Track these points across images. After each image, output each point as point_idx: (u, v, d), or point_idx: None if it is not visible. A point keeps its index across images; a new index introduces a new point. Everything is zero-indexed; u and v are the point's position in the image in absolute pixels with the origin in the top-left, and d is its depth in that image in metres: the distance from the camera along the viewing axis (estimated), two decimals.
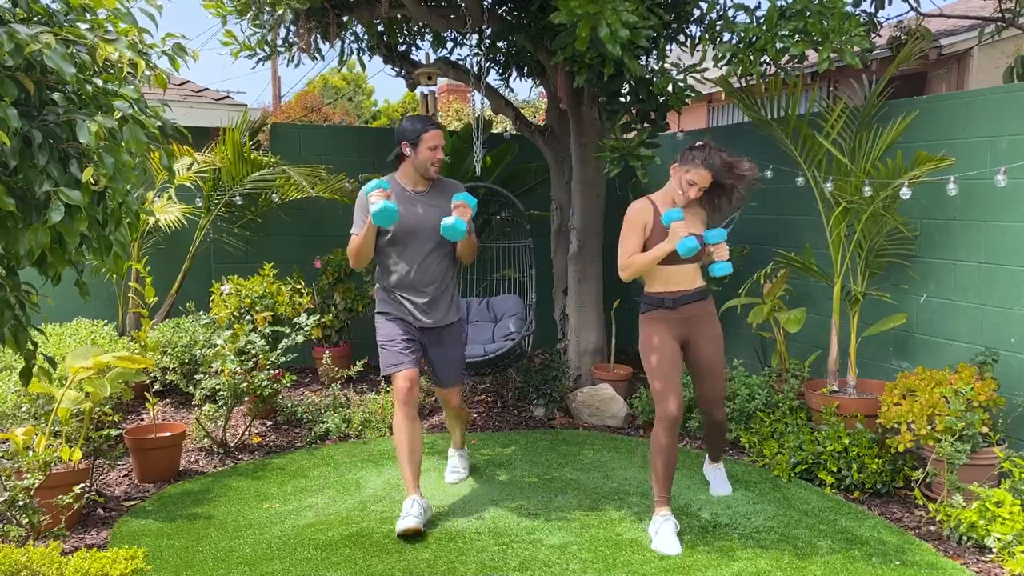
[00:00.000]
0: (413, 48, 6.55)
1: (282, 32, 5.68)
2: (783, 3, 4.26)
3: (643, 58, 4.95)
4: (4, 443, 3.96)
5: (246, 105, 7.13)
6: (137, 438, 4.25)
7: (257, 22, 5.33)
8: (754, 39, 4.36)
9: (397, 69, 6.41)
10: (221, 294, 5.66)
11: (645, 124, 4.94)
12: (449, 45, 6.45)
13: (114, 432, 4.02)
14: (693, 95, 4.91)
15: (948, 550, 3.42)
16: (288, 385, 5.17)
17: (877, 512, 3.82)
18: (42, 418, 4.16)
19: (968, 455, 3.66)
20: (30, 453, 3.56)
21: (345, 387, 5.80)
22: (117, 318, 6.14)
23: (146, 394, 4.56)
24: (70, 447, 3.70)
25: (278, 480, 4.24)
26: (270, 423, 5.18)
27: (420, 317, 3.80)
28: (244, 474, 4.34)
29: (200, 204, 6.38)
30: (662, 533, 3.45)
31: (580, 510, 3.82)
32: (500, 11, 5.63)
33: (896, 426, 3.90)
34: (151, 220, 5.92)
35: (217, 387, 4.55)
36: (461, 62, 6.18)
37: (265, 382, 4.63)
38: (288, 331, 4.96)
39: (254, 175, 6.19)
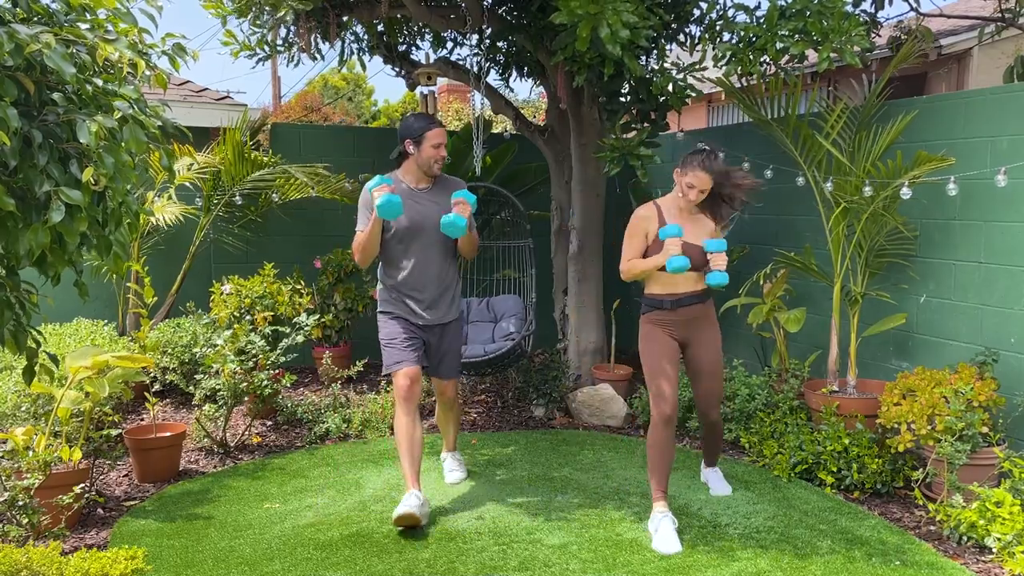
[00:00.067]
0: (413, 48, 6.55)
1: (282, 32, 5.69)
2: (783, 3, 4.26)
3: (643, 58, 4.95)
4: (4, 443, 3.96)
5: (246, 105, 7.13)
6: (137, 438, 4.25)
7: (257, 22, 5.33)
8: (754, 39, 4.36)
9: (397, 69, 6.42)
10: (221, 294, 5.66)
11: (645, 124, 4.94)
12: (449, 45, 6.45)
13: (114, 432, 4.02)
14: (693, 95, 4.91)
15: (948, 550, 3.42)
16: (288, 385, 5.17)
17: (877, 512, 3.82)
18: (42, 418, 4.16)
19: (968, 455, 3.66)
20: (30, 453, 3.56)
21: (345, 387, 5.80)
22: (117, 318, 6.14)
23: (146, 394, 4.56)
24: (70, 447, 3.70)
25: (278, 480, 4.24)
26: (270, 423, 5.18)
27: (422, 314, 3.82)
28: (244, 474, 4.34)
29: (200, 204, 6.38)
30: (662, 530, 3.46)
31: (580, 510, 3.82)
32: (500, 11, 5.63)
33: (896, 426, 3.90)
34: (151, 220, 5.92)
35: (217, 387, 4.55)
36: (461, 62, 6.18)
37: (265, 382, 4.63)
38: (288, 331, 4.96)
39: (254, 175, 6.19)
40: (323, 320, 6.09)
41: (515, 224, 5.82)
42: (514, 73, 6.38)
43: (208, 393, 4.64)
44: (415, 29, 6.45)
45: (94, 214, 2.35)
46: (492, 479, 4.25)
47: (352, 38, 6.27)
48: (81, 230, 2.27)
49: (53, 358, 2.62)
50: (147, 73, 2.46)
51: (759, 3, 4.62)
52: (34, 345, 2.51)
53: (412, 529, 3.60)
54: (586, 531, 3.59)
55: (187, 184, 6.24)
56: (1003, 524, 3.32)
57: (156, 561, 3.28)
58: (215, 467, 4.48)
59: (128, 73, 2.40)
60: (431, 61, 6.26)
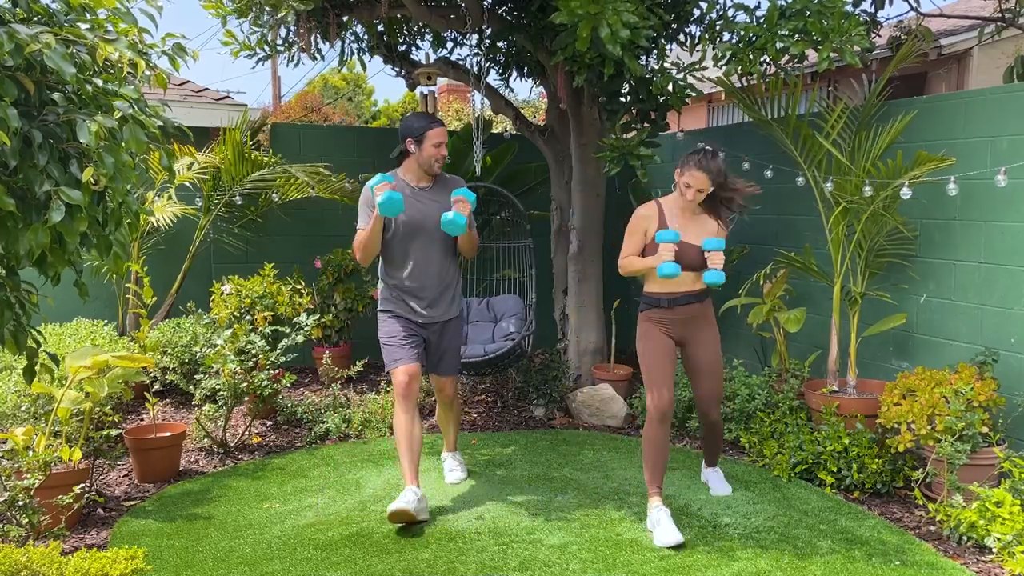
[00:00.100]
0: (413, 48, 6.55)
1: (282, 32, 5.69)
2: (783, 3, 4.26)
3: (643, 58, 4.95)
4: (4, 443, 3.96)
5: (246, 105, 7.13)
6: (137, 438, 4.25)
7: (258, 22, 5.33)
8: (754, 38, 4.36)
9: (397, 69, 6.42)
10: (222, 294, 5.66)
11: (645, 124, 4.95)
12: (449, 45, 6.45)
13: (114, 432, 4.02)
14: (693, 95, 4.91)
15: (948, 550, 3.42)
16: (288, 385, 5.17)
17: (877, 512, 3.82)
18: (42, 418, 4.16)
19: (968, 455, 3.66)
20: (30, 453, 3.56)
21: (345, 387, 5.80)
22: (117, 318, 6.14)
23: (146, 394, 4.56)
24: (70, 447, 3.70)
25: (278, 480, 4.24)
26: (270, 423, 5.18)
27: (423, 312, 3.84)
28: (244, 474, 4.34)
29: (200, 204, 6.38)
30: (662, 523, 3.49)
31: (580, 510, 3.82)
32: (500, 11, 5.63)
33: (896, 426, 3.90)
34: (151, 220, 5.92)
35: (217, 387, 4.55)
36: (461, 62, 6.18)
37: (265, 382, 4.63)
38: (288, 331, 4.96)
39: (254, 175, 6.19)
40: (323, 320, 6.09)
41: (515, 224, 5.82)
42: (514, 73, 6.38)
43: (208, 393, 4.64)
44: (415, 29, 6.45)
45: (94, 214, 2.35)
46: (492, 479, 4.25)
47: (352, 38, 6.27)
48: (81, 230, 2.27)
49: (53, 358, 2.62)
50: (147, 73, 2.46)
51: (759, 3, 4.62)
52: (34, 345, 2.51)
53: (409, 526, 3.61)
54: (586, 531, 3.59)
55: (187, 184, 6.24)
56: (1003, 524, 3.32)
57: (156, 561, 3.28)
58: (215, 467, 4.48)
59: (128, 73, 2.40)
60: (431, 61, 6.26)
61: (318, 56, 5.95)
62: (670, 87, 4.78)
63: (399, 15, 5.89)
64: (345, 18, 5.74)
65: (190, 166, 6.03)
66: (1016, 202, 4.07)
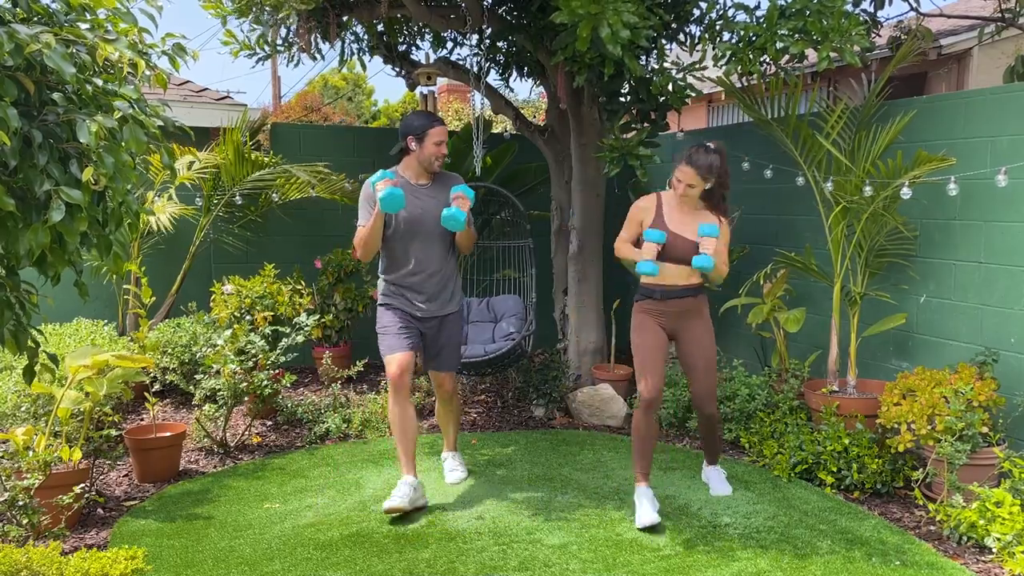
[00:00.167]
0: (413, 48, 6.55)
1: (282, 32, 5.69)
2: (783, 2, 4.26)
3: (643, 58, 4.94)
4: (4, 443, 3.96)
5: (246, 105, 7.13)
6: (137, 438, 4.25)
7: (258, 21, 5.33)
8: (754, 38, 4.36)
9: (397, 69, 6.41)
10: (223, 294, 5.66)
11: (645, 124, 4.94)
12: (449, 45, 6.45)
13: (114, 432, 4.02)
14: (693, 94, 4.91)
15: (948, 550, 3.42)
16: (288, 385, 5.17)
17: (877, 512, 3.82)
18: (42, 418, 4.16)
19: (968, 455, 3.66)
20: (30, 453, 3.56)
21: (345, 387, 5.80)
22: (117, 318, 6.14)
23: (146, 394, 4.56)
24: (70, 447, 3.70)
25: (278, 480, 4.24)
26: (270, 423, 5.18)
27: (422, 307, 3.90)
28: (244, 474, 4.34)
29: (200, 204, 6.38)
30: (641, 506, 3.64)
31: (580, 510, 3.82)
32: (500, 11, 5.63)
33: (896, 426, 3.90)
34: (151, 220, 5.92)
35: (217, 387, 4.55)
36: (461, 62, 6.18)
37: (265, 382, 4.63)
38: (288, 331, 4.96)
39: (254, 175, 6.19)
40: (323, 320, 6.09)
41: (515, 224, 5.82)
42: (514, 73, 6.37)
43: (208, 393, 4.64)
44: (415, 29, 6.45)
45: (94, 214, 2.35)
46: (492, 479, 4.25)
47: (352, 38, 6.27)
48: (81, 230, 2.27)
49: (53, 358, 2.62)
50: (147, 73, 2.46)
51: (759, 3, 4.62)
52: (33, 345, 2.50)
53: (408, 521, 3.66)
54: (586, 531, 3.59)
55: (187, 184, 6.24)
56: (1003, 524, 3.32)
57: (156, 561, 3.28)
58: (215, 467, 4.48)
59: (128, 73, 2.40)
60: (431, 61, 6.26)
61: (318, 56, 5.95)
62: (670, 87, 4.78)
63: (399, 15, 5.89)
64: (345, 18, 5.74)
65: (190, 165, 6.03)
66: (1016, 202, 4.07)
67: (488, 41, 6.08)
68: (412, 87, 6.38)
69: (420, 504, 3.74)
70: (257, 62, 5.90)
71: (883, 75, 4.52)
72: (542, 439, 4.97)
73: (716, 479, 4.06)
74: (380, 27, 6.18)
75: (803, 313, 4.88)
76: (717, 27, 4.77)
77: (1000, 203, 4.14)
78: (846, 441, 4.05)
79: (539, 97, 14.56)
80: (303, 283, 6.04)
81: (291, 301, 5.76)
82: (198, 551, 3.41)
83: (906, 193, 4.22)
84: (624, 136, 4.93)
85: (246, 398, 4.66)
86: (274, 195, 6.50)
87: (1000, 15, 6.74)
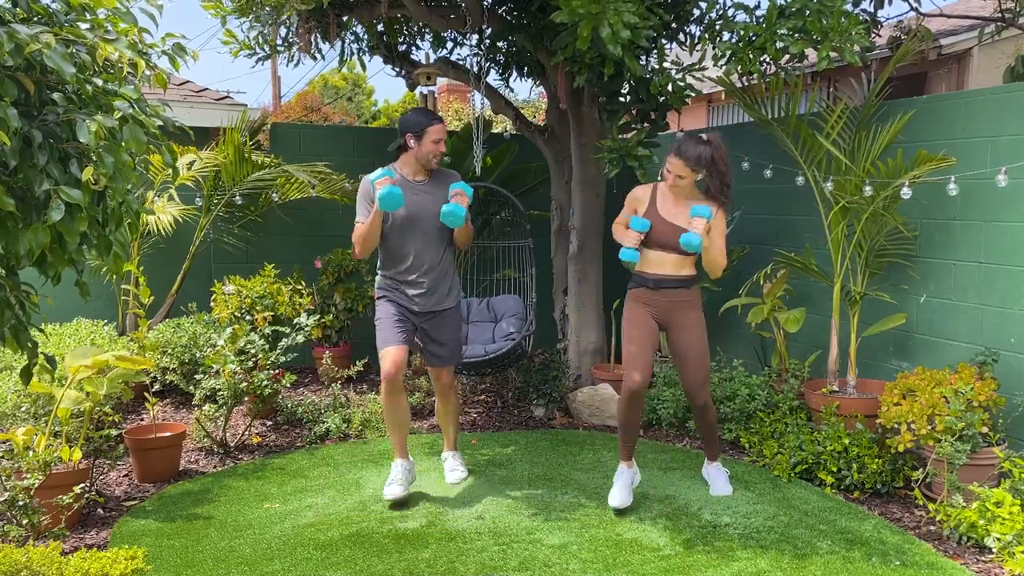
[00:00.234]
0: (413, 48, 6.55)
1: (282, 32, 5.69)
2: (782, 2, 4.26)
3: (643, 58, 4.94)
4: (4, 443, 3.96)
5: (246, 105, 7.13)
6: (137, 438, 4.25)
7: (258, 19, 5.33)
8: (753, 38, 4.36)
9: (397, 69, 6.41)
10: (224, 294, 5.66)
11: (645, 124, 4.94)
12: (449, 45, 6.45)
13: (114, 432, 4.02)
14: (693, 94, 4.91)
15: (948, 550, 3.42)
16: (288, 385, 5.17)
17: (877, 512, 3.82)
18: (42, 418, 4.16)
19: (968, 455, 3.66)
20: (30, 453, 3.56)
21: (345, 387, 5.80)
22: (117, 318, 6.14)
23: (146, 394, 4.56)
24: (70, 447, 3.70)
25: (278, 480, 4.24)
26: (270, 423, 5.18)
27: (419, 301, 3.94)
28: (244, 474, 4.34)
29: (200, 204, 6.38)
30: (613, 486, 3.84)
31: (580, 510, 3.82)
32: (500, 11, 5.63)
33: (896, 426, 3.90)
34: (151, 220, 5.93)
35: (217, 387, 4.55)
36: (461, 62, 6.18)
37: (265, 382, 4.63)
38: (288, 331, 4.96)
39: (254, 175, 6.19)
40: (323, 320, 6.09)
41: (515, 224, 5.82)
42: (514, 73, 6.37)
43: (208, 393, 4.64)
44: (415, 29, 6.44)
45: (94, 214, 2.35)
46: (492, 479, 4.25)
47: (352, 38, 6.27)
48: (81, 230, 2.27)
49: (50, 360, 2.61)
50: (147, 73, 2.46)
51: (759, 2, 4.62)
52: (31, 346, 2.50)
53: (406, 517, 3.73)
54: (586, 531, 3.59)
55: (187, 184, 6.24)
56: (1003, 524, 3.32)
57: (156, 561, 3.28)
58: (215, 467, 4.48)
59: (128, 73, 2.40)
60: (431, 61, 6.25)
61: (318, 56, 5.95)
62: (669, 87, 4.78)
63: (399, 15, 5.89)
64: (345, 18, 5.74)
65: (191, 165, 6.03)
66: (1016, 202, 4.07)
67: (488, 41, 6.08)
68: (412, 87, 6.38)
69: (412, 478, 4.02)
70: (257, 62, 5.90)
71: (883, 75, 4.52)
72: (542, 439, 4.97)
73: (717, 477, 4.05)
74: (380, 27, 6.17)
75: (803, 313, 4.88)
76: (717, 27, 4.77)
77: (1000, 203, 4.14)
78: (846, 441, 4.05)
79: (539, 97, 14.56)
80: (303, 283, 6.05)
81: (291, 301, 5.76)
82: (198, 551, 3.41)
83: (906, 193, 4.22)
84: (623, 136, 4.93)
85: (246, 398, 4.66)
86: (274, 195, 6.50)
87: (1000, 15, 6.74)
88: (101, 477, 4.25)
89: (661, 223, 3.76)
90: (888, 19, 9.17)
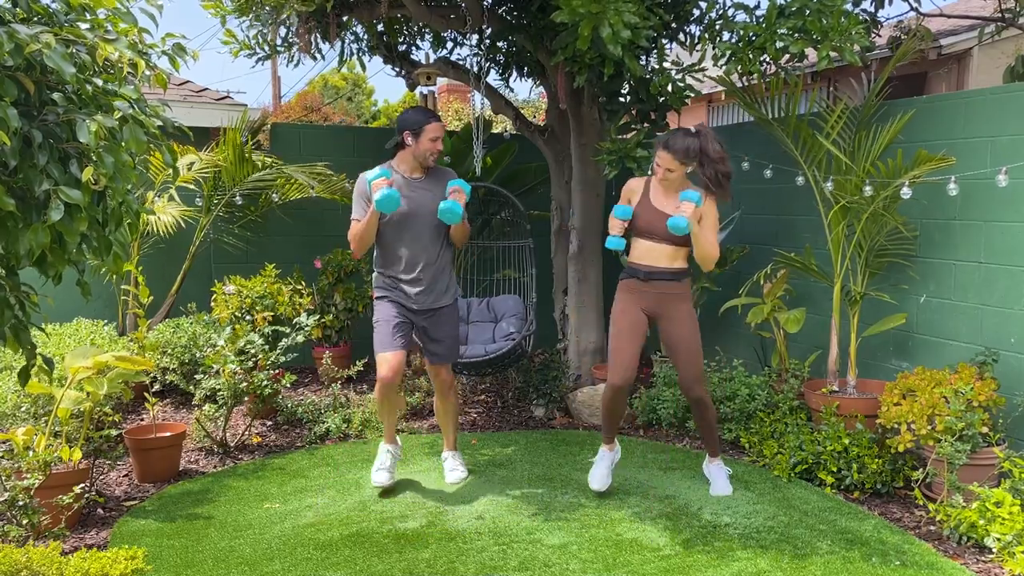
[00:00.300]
0: (413, 48, 6.55)
1: (282, 32, 5.68)
2: (782, 2, 4.26)
3: (643, 58, 4.94)
4: (4, 443, 3.96)
5: (246, 105, 7.13)
6: (137, 438, 4.25)
7: (258, 19, 5.33)
8: (753, 37, 4.36)
9: (397, 69, 6.41)
10: (224, 294, 5.66)
11: (645, 124, 4.94)
12: (449, 45, 6.45)
13: (114, 432, 4.02)
14: (692, 95, 4.91)
15: (948, 550, 3.42)
16: (288, 385, 5.17)
17: (877, 512, 3.82)
18: (42, 418, 4.16)
19: (968, 455, 3.66)
20: (30, 453, 3.56)
21: (345, 387, 5.80)
22: (117, 318, 6.14)
23: (146, 394, 4.56)
24: (70, 447, 3.70)
25: (278, 480, 4.24)
26: (270, 423, 5.18)
27: (416, 299, 3.95)
28: (244, 474, 4.34)
29: (200, 204, 6.38)
30: (594, 468, 4.02)
31: (580, 510, 3.82)
32: (500, 11, 5.63)
33: (896, 426, 3.90)
34: (150, 220, 5.93)
35: (217, 387, 4.55)
36: (461, 62, 6.18)
37: (265, 382, 4.63)
38: (288, 331, 4.96)
39: (254, 176, 6.19)
40: (323, 320, 6.09)
41: (515, 224, 5.82)
42: (514, 73, 6.37)
43: (208, 393, 4.64)
44: (415, 29, 6.44)
45: (94, 214, 2.35)
46: (492, 479, 4.25)
47: (352, 38, 6.27)
48: (81, 230, 2.27)
49: (48, 361, 2.61)
50: (147, 73, 2.46)
51: (759, 2, 4.62)
52: (30, 347, 2.50)
53: (406, 517, 3.73)
54: (586, 531, 3.59)
55: (187, 184, 6.24)
56: (1003, 524, 3.32)
57: (156, 561, 3.28)
58: (215, 467, 4.48)
59: (128, 73, 2.40)
60: (431, 61, 6.25)
61: (318, 56, 5.95)
62: (669, 87, 4.78)
63: (399, 15, 5.89)
64: (345, 18, 5.74)
65: (191, 165, 6.03)
66: (1016, 202, 4.07)
67: (488, 41, 6.08)
68: (412, 87, 6.38)
69: (398, 455, 4.18)
70: (257, 62, 5.90)
71: (883, 75, 4.52)
72: (542, 439, 4.97)
73: (717, 476, 4.05)
74: (380, 27, 6.17)
75: (803, 313, 4.88)
76: (717, 27, 4.77)
77: (1000, 203, 4.14)
78: (846, 441, 4.05)
79: (539, 97, 14.56)
80: (303, 283, 6.05)
81: (291, 301, 5.76)
82: (198, 551, 3.41)
83: (906, 193, 4.22)
84: (623, 137, 4.93)
85: (246, 398, 4.66)
86: (274, 195, 6.50)
87: (1000, 15, 6.74)
88: (101, 477, 4.25)
89: (651, 211, 3.82)
90: (888, 19, 9.17)
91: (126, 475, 4.35)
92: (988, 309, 4.23)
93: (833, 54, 4.18)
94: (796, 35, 4.23)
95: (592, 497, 3.98)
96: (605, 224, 5.80)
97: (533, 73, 6.18)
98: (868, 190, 4.34)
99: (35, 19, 2.36)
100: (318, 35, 5.75)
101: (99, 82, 2.38)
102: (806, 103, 5.85)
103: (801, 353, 5.23)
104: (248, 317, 5.52)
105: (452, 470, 4.24)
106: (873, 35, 5.46)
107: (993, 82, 8.01)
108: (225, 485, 4.17)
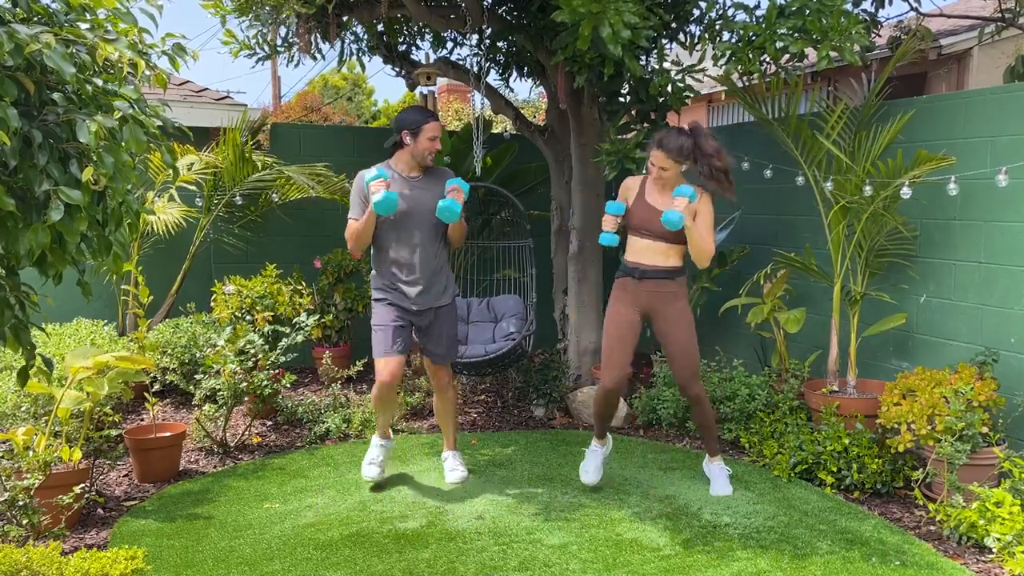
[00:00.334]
0: (413, 48, 6.55)
1: (282, 32, 5.68)
2: (782, 1, 4.26)
3: (643, 58, 4.94)
4: (4, 443, 3.96)
5: (246, 105, 7.13)
6: (137, 438, 4.25)
7: (258, 18, 5.32)
8: (753, 37, 4.36)
9: (397, 69, 6.41)
10: (223, 294, 5.66)
11: (645, 124, 4.94)
12: (449, 45, 6.45)
13: (114, 432, 4.02)
14: (692, 95, 4.91)
15: (948, 550, 3.42)
16: (288, 385, 5.17)
17: (877, 512, 3.82)
18: (42, 418, 4.16)
19: (968, 455, 3.66)
20: (30, 453, 3.56)
21: (345, 387, 5.80)
22: (117, 318, 6.14)
23: (146, 394, 4.56)
24: (70, 447, 3.70)
25: (278, 480, 4.24)
26: (270, 423, 5.18)
27: (415, 298, 3.96)
28: (244, 474, 4.34)
29: (200, 204, 6.38)
30: (586, 461, 4.09)
31: (580, 510, 3.82)
32: (500, 11, 5.63)
33: (896, 426, 3.90)
34: (151, 220, 5.93)
35: (217, 387, 4.55)
36: (461, 62, 6.18)
37: (265, 382, 4.63)
38: (288, 331, 4.96)
39: (254, 176, 6.19)
40: (323, 320, 6.09)
41: (515, 224, 5.82)
42: (514, 73, 6.37)
43: (208, 393, 4.64)
44: (415, 29, 6.44)
45: (94, 214, 2.35)
46: (492, 479, 4.25)
47: (352, 38, 6.27)
48: (81, 230, 2.27)
49: (48, 362, 2.61)
50: (147, 73, 2.46)
51: (759, 2, 4.62)
52: (29, 348, 2.50)
53: (405, 517, 3.73)
54: (586, 531, 3.59)
55: (187, 184, 6.24)
56: (1003, 524, 3.32)
57: (156, 561, 3.28)
58: (215, 467, 4.48)
59: (128, 73, 2.40)
60: (431, 61, 6.25)
61: (318, 56, 5.95)
62: (668, 88, 4.78)
63: (399, 15, 5.89)
64: (345, 18, 5.74)
65: (190, 166, 6.03)
66: (1016, 202, 4.07)
67: (488, 41, 6.08)
68: (412, 87, 6.38)
69: (391, 444, 4.26)
70: (257, 62, 5.90)
71: (883, 74, 4.52)
72: (542, 439, 4.97)
73: (717, 476, 4.05)
74: (380, 27, 6.17)
75: (803, 313, 4.88)
76: (717, 27, 4.77)
77: (1000, 203, 4.14)
78: (846, 441, 4.05)
79: (539, 97, 14.56)
80: (303, 283, 6.05)
81: (291, 301, 5.76)
82: (198, 551, 3.41)
83: (906, 193, 4.22)
84: (622, 137, 4.93)
85: (246, 398, 4.66)
86: (274, 195, 6.50)
87: (1000, 15, 6.74)
88: (101, 477, 4.25)
89: (646, 209, 3.86)
90: (888, 19, 9.17)
91: (126, 475, 4.35)
92: (988, 309, 4.23)
93: (833, 54, 4.18)
94: (796, 35, 4.23)
95: (592, 497, 3.98)
96: None
97: (533, 73, 6.18)
98: (868, 190, 4.34)
99: (35, 19, 2.36)
100: (318, 35, 5.75)
101: (99, 82, 2.38)
102: (806, 103, 5.85)
103: (801, 353, 5.23)
104: (248, 317, 5.52)
105: (452, 470, 4.23)
106: (873, 35, 5.46)
107: (993, 82, 8.01)
108: (225, 485, 4.17)
